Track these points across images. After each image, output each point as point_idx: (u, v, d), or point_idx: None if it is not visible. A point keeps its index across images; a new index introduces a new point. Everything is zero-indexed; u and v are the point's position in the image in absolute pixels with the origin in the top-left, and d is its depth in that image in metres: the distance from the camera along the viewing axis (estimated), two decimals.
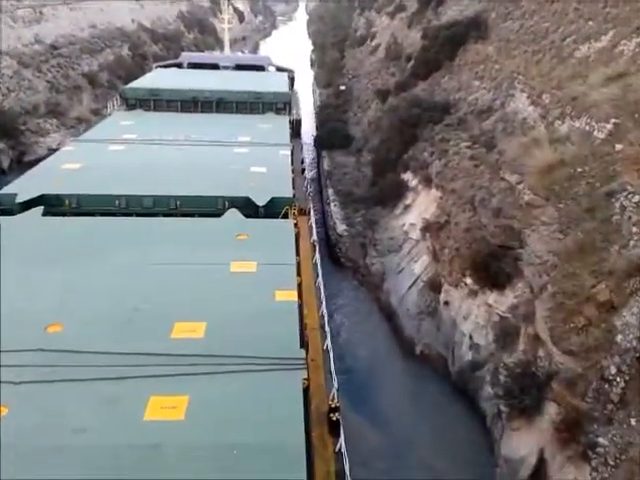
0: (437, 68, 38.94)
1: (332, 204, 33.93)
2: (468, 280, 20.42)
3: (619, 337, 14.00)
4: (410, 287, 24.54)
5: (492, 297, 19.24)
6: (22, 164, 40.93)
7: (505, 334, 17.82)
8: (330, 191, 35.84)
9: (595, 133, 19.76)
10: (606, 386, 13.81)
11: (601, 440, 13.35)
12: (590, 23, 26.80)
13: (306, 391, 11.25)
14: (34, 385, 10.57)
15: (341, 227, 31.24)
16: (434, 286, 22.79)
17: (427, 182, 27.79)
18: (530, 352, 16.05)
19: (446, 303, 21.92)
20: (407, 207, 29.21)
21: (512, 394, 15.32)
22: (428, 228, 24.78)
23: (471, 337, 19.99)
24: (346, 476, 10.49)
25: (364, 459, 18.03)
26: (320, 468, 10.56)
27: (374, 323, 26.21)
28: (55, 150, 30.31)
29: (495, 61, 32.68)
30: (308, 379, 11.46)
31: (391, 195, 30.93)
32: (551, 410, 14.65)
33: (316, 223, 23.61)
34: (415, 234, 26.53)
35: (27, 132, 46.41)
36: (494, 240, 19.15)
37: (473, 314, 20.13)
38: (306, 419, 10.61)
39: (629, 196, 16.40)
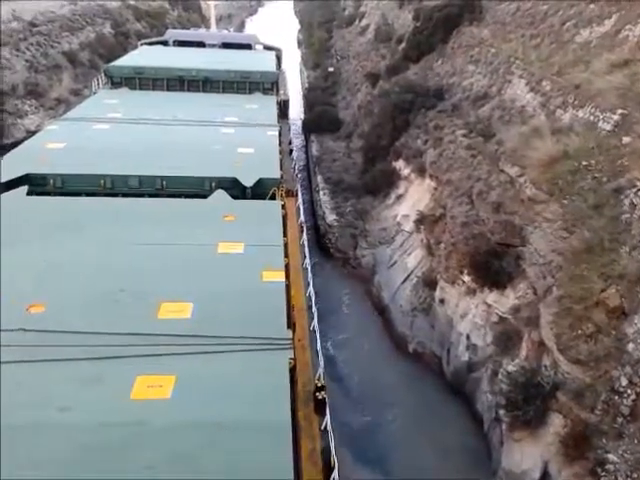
0: (430, 51, 37.69)
1: (321, 192, 32.82)
2: (466, 278, 19.48)
3: (630, 346, 13.18)
4: (403, 282, 23.62)
5: (491, 297, 18.32)
6: None
7: (506, 337, 16.94)
8: (319, 178, 34.70)
9: (600, 124, 18.79)
10: (616, 398, 13.01)
11: (611, 456, 12.58)
12: (592, 6, 25.71)
13: (292, 371, 11.31)
14: (17, 365, 10.36)
15: (331, 217, 30.16)
16: (429, 282, 21.86)
17: (421, 171, 26.75)
18: (534, 359, 15.17)
19: (442, 301, 20.99)
20: (399, 197, 28.21)
21: (515, 405, 14.45)
22: (422, 221, 23.79)
23: (468, 337, 19.12)
24: (332, 453, 10.57)
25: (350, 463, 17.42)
26: (306, 445, 10.72)
27: (365, 318, 25.30)
28: (34, 132, 29.51)
29: (491, 45, 31.52)
30: (294, 359, 11.48)
31: (383, 184, 29.91)
32: (556, 422, 13.82)
33: (305, 212, 23.29)
34: (408, 226, 25.55)
35: (4, 114, 44.70)
36: (494, 237, 18.17)
37: (471, 313, 19.23)
38: (292, 398, 10.75)
39: (639, 193, 15.49)
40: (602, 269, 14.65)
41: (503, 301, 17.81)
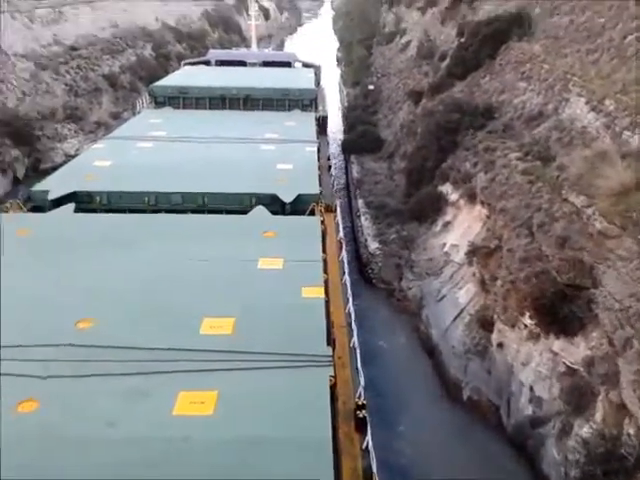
0: (476, 67, 35.83)
1: (363, 217, 31.19)
2: (528, 321, 17.49)
3: None
4: (454, 319, 21.72)
5: (558, 344, 16.31)
6: (38, 172, 39.35)
7: (577, 393, 14.87)
8: (360, 202, 33.10)
9: None
10: None
11: None
12: None
13: (333, 388, 11.22)
14: (64, 380, 10.61)
15: (373, 245, 28.47)
16: (484, 322, 19.88)
17: (470, 197, 24.90)
18: (612, 425, 13.13)
19: (500, 345, 19.01)
20: (447, 224, 26.35)
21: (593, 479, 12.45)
22: (474, 252, 21.88)
23: (531, 388, 17.12)
24: (373, 473, 10.39)
25: None
26: (347, 465, 10.61)
27: (412, 357, 23.45)
28: (73, 157, 29.88)
29: (543, 60, 29.54)
30: (335, 376, 11.39)
31: (428, 209, 28.09)
32: None
33: (346, 240, 22.21)
34: (458, 257, 23.66)
35: (43, 138, 44.60)
36: (561, 277, 16.19)
37: (534, 361, 17.21)
38: (333, 416, 10.65)
39: None
40: None
41: (572, 350, 15.78)
